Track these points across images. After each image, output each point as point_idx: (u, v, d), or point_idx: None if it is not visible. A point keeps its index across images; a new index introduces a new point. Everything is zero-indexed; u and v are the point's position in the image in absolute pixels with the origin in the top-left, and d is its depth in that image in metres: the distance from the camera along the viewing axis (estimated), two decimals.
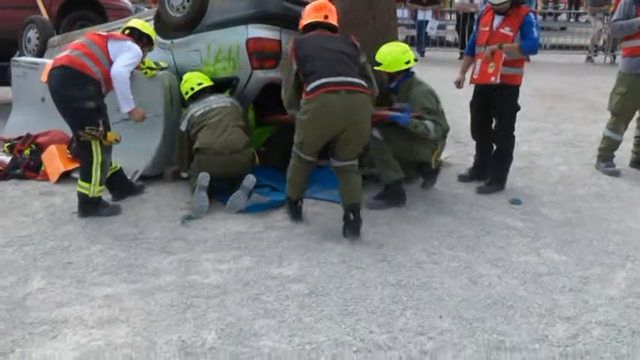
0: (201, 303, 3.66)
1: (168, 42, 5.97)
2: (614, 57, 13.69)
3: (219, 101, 5.39)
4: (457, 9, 15.26)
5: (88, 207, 4.93)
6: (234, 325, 3.43)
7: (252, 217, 4.93)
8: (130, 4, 9.46)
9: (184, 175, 5.51)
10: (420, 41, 14.81)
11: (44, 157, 5.99)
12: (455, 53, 14.39)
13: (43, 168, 5.94)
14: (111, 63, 4.89)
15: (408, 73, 5.19)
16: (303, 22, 4.72)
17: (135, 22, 5.34)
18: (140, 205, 5.20)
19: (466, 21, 14.16)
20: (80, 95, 4.77)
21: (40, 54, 7.44)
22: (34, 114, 6.71)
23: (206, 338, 3.31)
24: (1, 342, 3.27)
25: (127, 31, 5.23)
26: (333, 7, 4.80)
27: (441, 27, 16.08)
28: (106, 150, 4.93)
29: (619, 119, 6.17)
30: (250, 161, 5.27)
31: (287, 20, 5.52)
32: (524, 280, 4.01)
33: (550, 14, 18.20)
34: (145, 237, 4.60)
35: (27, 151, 6.17)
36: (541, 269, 4.16)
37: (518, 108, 5.50)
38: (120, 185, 5.31)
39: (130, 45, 5.02)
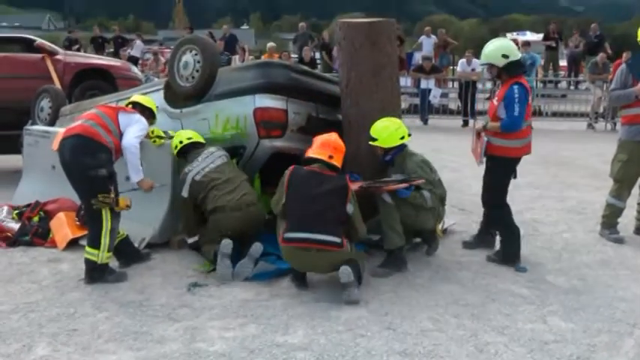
0: None
1: (178, 111, 6.12)
2: (615, 124, 13.89)
3: (213, 158, 5.47)
4: (459, 77, 15.58)
5: (95, 274, 4.96)
6: None
7: (259, 285, 4.94)
8: (140, 73, 9.73)
9: (190, 241, 5.54)
10: (424, 109, 15.08)
11: (52, 224, 6.05)
12: (458, 121, 14.63)
13: (51, 235, 6.00)
14: (121, 134, 5.05)
15: (401, 146, 5.33)
16: (309, 153, 4.93)
17: (137, 98, 5.57)
18: (147, 272, 5.23)
19: (468, 89, 14.46)
20: (93, 163, 4.88)
21: (52, 123, 7.62)
22: (44, 182, 6.81)
23: None
24: None
25: (130, 105, 5.44)
26: (341, 145, 5.01)
27: (444, 95, 16.37)
28: (116, 217, 5.00)
29: (622, 186, 6.22)
30: (265, 214, 5.36)
31: (293, 90, 5.68)
32: (532, 348, 3.99)
33: (550, 82, 18.54)
34: (150, 304, 4.61)
35: (36, 218, 6.24)
36: (548, 337, 4.14)
37: (505, 181, 5.40)
38: (126, 252, 5.35)
39: (138, 118, 5.22)
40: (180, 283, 4.97)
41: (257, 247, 5.05)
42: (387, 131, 5.26)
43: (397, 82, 6.02)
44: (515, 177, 5.49)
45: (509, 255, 5.42)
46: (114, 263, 5.23)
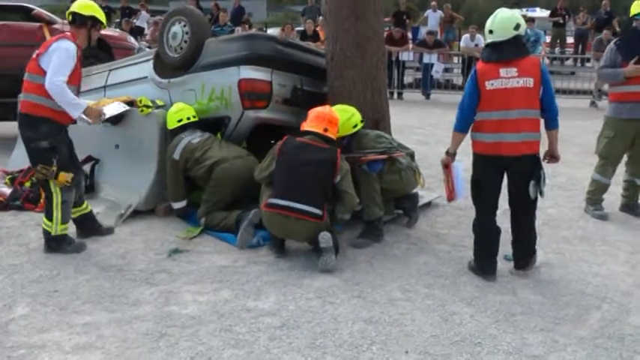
0: (175, 332, 3.77)
1: (165, 81, 6.18)
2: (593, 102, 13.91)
3: (205, 134, 5.66)
4: (463, 52, 15.51)
5: (52, 244, 5.00)
6: (204, 354, 3.54)
7: (237, 252, 5.06)
8: (136, 43, 9.76)
9: (176, 206, 5.66)
10: (426, 84, 15.04)
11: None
12: (460, 96, 14.57)
13: (42, 200, 6.10)
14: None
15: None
16: (304, 126, 5.01)
17: (74, 6, 5.00)
18: (130, 238, 5.34)
19: (471, 64, 14.38)
20: (34, 136, 4.84)
21: None
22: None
23: None
24: None
25: (69, 18, 4.99)
26: (336, 118, 5.09)
27: (448, 70, 16.31)
28: (67, 190, 4.98)
29: (606, 163, 6.26)
30: None
31: (278, 62, 5.74)
32: (497, 319, 4.07)
33: (556, 59, 18.40)
34: (130, 269, 4.73)
35: (27, 184, 6.36)
36: (515, 309, 4.22)
37: (476, 180, 4.68)
38: (87, 228, 5.33)
39: (55, 46, 4.76)
40: (161, 250, 5.09)
41: (258, 213, 5.10)
42: (340, 121, 5.31)
43: (383, 55, 6.06)
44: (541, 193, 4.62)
45: (475, 263, 4.79)
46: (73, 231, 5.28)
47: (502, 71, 4.37)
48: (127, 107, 5.44)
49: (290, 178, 4.77)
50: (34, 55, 4.87)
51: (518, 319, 4.08)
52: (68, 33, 4.97)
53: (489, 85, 4.38)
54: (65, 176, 4.90)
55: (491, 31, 4.44)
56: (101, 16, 5.04)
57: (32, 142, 4.88)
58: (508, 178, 4.61)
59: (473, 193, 4.73)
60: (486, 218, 4.66)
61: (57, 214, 4.95)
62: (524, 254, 4.72)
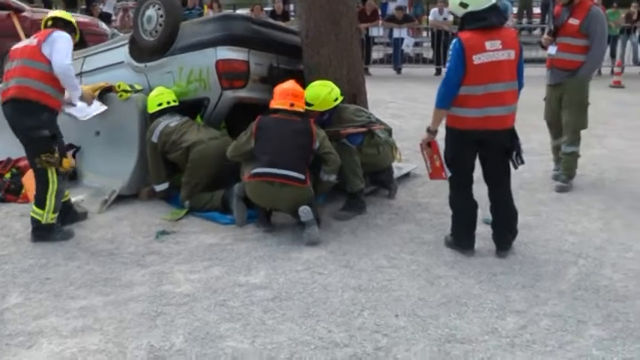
0: (171, 310, 3.87)
1: (142, 65, 6.21)
2: None
3: (184, 118, 5.73)
4: (432, 26, 15.62)
5: (40, 232, 5.02)
6: (201, 329, 3.64)
7: (224, 230, 5.16)
8: (108, 29, 9.71)
9: (158, 189, 5.73)
10: (397, 58, 15.14)
11: (25, 180, 6.15)
12: (431, 69, 14.71)
13: (23, 191, 6.10)
14: (50, 64, 4.87)
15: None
16: (272, 104, 5.11)
17: (56, 12, 5.33)
18: (116, 222, 5.40)
19: (440, 38, 14.51)
20: (35, 124, 4.87)
21: None
22: (11, 139, 6.87)
23: (174, 342, 3.52)
24: None
25: (49, 22, 5.17)
26: (299, 91, 5.19)
27: (418, 44, 16.42)
28: (63, 178, 5.04)
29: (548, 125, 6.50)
30: None
31: (254, 41, 5.80)
32: (480, 280, 4.24)
33: (523, 29, 18.61)
34: (120, 252, 4.80)
35: (8, 175, 6.33)
36: (496, 269, 4.39)
37: (453, 156, 4.54)
38: (65, 214, 5.34)
39: (56, 35, 4.95)
40: (149, 232, 5.16)
41: (241, 186, 5.16)
42: (321, 96, 5.44)
43: (357, 31, 6.14)
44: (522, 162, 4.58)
45: (453, 238, 4.78)
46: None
47: (488, 44, 4.25)
48: (105, 107, 5.50)
49: (273, 148, 4.90)
50: (31, 43, 4.98)
51: (500, 279, 4.26)
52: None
53: (477, 59, 4.23)
54: (69, 162, 5.01)
55: (465, 4, 4.31)
56: (76, 26, 5.30)
57: (32, 131, 4.89)
58: (486, 152, 4.50)
59: (450, 170, 4.60)
60: (463, 193, 4.62)
61: (50, 202, 4.98)
62: (506, 231, 4.66)
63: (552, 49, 6.04)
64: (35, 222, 5.03)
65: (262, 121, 5.05)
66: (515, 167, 4.53)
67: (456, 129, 4.45)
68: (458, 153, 4.53)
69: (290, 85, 5.23)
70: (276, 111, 5.09)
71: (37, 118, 4.89)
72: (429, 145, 4.60)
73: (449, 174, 4.61)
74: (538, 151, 7.59)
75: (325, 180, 5.17)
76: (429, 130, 4.58)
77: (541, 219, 5.38)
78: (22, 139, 5.02)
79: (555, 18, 6.09)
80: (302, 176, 4.86)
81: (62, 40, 4.93)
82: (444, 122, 4.54)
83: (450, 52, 4.38)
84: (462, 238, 4.68)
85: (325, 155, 5.06)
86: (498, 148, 4.49)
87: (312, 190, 4.99)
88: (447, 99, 4.38)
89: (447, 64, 4.39)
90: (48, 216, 5.00)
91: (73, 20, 5.30)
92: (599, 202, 5.79)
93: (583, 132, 6.22)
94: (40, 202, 5.00)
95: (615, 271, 4.38)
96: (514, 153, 4.50)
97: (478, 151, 4.52)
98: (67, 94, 5.16)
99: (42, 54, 4.89)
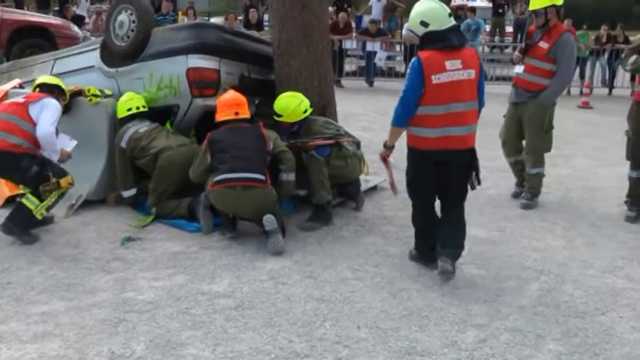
0: (133, 317, 3.86)
1: (113, 70, 6.18)
2: None
3: (153, 124, 5.73)
4: (404, 40, 15.77)
5: (16, 221, 5.00)
6: (163, 336, 3.64)
7: (190, 237, 5.16)
8: (80, 32, 9.66)
9: (126, 195, 5.72)
10: (369, 71, 15.24)
11: None
12: (403, 83, 14.82)
13: None
14: (34, 125, 5.01)
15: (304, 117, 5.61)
16: (218, 118, 5.19)
17: (42, 79, 5.53)
18: (82, 227, 5.36)
19: (414, 52, 14.62)
20: (22, 171, 4.98)
21: None
22: None
23: (135, 349, 3.51)
24: None
25: (37, 89, 5.37)
26: (241, 99, 5.25)
27: (391, 58, 16.55)
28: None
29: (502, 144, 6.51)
30: None
31: (226, 50, 5.82)
32: (442, 293, 4.29)
33: (495, 47, 18.91)
34: (84, 257, 4.77)
35: None
36: (459, 283, 4.44)
37: (413, 176, 4.53)
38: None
39: (47, 101, 5.13)
40: (114, 238, 5.13)
41: (207, 195, 5.15)
42: (290, 107, 5.52)
43: (328, 43, 6.20)
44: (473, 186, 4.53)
45: (416, 252, 4.81)
46: None
47: (448, 64, 4.16)
48: (75, 142, 5.53)
49: (230, 155, 4.95)
50: (18, 101, 5.14)
51: (462, 293, 4.31)
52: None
53: (435, 79, 4.14)
54: (66, 181, 5.06)
55: (425, 24, 4.23)
56: (63, 88, 5.51)
57: (23, 174, 5.00)
58: (446, 171, 4.39)
59: (410, 190, 4.61)
60: (423, 213, 4.62)
61: (50, 200, 5.03)
62: (453, 246, 4.46)
63: (519, 68, 6.10)
64: (21, 209, 5.00)
65: (213, 135, 5.12)
66: (473, 188, 4.54)
67: (416, 149, 4.39)
68: (418, 173, 4.47)
69: (230, 95, 5.31)
70: (224, 122, 5.16)
71: (19, 166, 4.98)
72: (384, 160, 4.66)
73: (398, 192, 4.76)
74: (504, 168, 7.67)
75: (285, 180, 5.20)
76: (385, 146, 4.58)
77: (505, 235, 5.46)
78: (14, 181, 5.18)
79: (528, 37, 6.15)
80: (262, 177, 4.92)
81: (52, 108, 5.10)
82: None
83: (408, 71, 4.31)
84: (426, 252, 4.67)
85: (280, 154, 5.16)
86: (458, 168, 4.42)
87: (275, 192, 5.02)
88: (403, 118, 4.33)
89: (405, 83, 4.27)
90: (41, 210, 5.02)
91: (61, 84, 5.52)
92: (563, 220, 5.89)
93: (551, 151, 6.31)
94: (41, 195, 5.03)
95: (576, 287, 4.46)
96: (473, 173, 4.48)
97: (438, 170, 4.41)
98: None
99: (28, 114, 5.03)
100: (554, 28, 5.87)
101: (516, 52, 6.24)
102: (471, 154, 4.44)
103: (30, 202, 5.03)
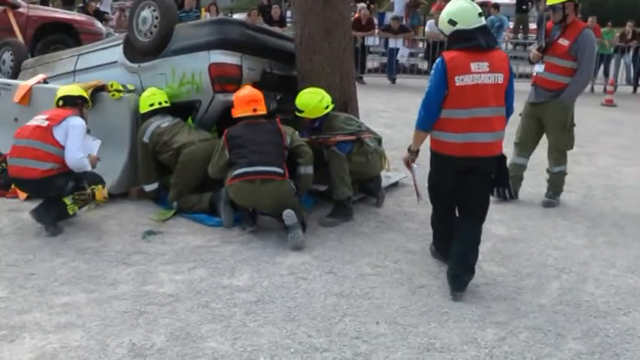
0: (154, 310, 3.89)
1: (136, 66, 6.23)
2: None
3: (175, 119, 5.75)
4: (428, 37, 15.71)
5: (52, 210, 5.09)
6: (183, 329, 3.67)
7: (211, 231, 5.19)
8: (103, 28, 9.74)
9: (148, 189, 5.76)
10: (391, 68, 15.21)
11: None
12: (425, 80, 14.72)
13: (13, 186, 6.11)
14: (61, 147, 5.05)
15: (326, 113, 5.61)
16: (235, 114, 5.20)
17: (63, 91, 5.50)
18: (104, 221, 5.41)
19: (436, 49, 14.58)
20: (57, 191, 5.07)
21: (15, 76, 7.66)
22: (7, 133, 6.86)
23: (155, 341, 3.54)
24: None
25: (60, 102, 5.38)
26: (258, 95, 5.26)
27: (414, 55, 16.50)
28: None
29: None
30: None
31: (248, 46, 5.84)
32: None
33: (519, 44, 18.75)
34: (106, 250, 4.82)
35: None
36: (479, 280, 4.41)
37: (434, 182, 4.43)
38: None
39: (71, 124, 5.11)
40: (136, 232, 5.18)
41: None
42: (312, 103, 5.52)
43: (350, 40, 6.20)
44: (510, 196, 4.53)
45: (435, 249, 4.77)
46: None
47: (473, 65, 3.99)
48: (99, 142, 5.58)
49: (248, 150, 4.98)
50: (42, 124, 5.11)
51: (482, 290, 4.29)
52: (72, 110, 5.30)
53: (459, 80, 3.97)
54: (101, 194, 5.25)
55: (453, 22, 4.10)
56: (86, 97, 5.56)
57: (60, 191, 5.08)
58: (471, 180, 4.19)
59: (431, 194, 4.49)
60: (442, 217, 4.50)
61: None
62: (463, 271, 4.22)
63: (539, 67, 5.98)
64: (57, 200, 5.09)
65: (230, 131, 5.15)
66: (505, 198, 4.41)
67: (439, 153, 4.22)
68: (439, 177, 4.35)
69: (248, 91, 5.32)
70: (241, 119, 5.18)
71: (55, 186, 5.07)
72: (407, 165, 4.58)
73: (421, 198, 4.68)
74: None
75: (303, 173, 5.21)
76: (409, 150, 4.46)
77: (526, 232, 5.43)
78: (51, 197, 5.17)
79: (547, 35, 6.07)
80: (280, 170, 4.95)
81: (77, 131, 5.11)
82: None
83: (432, 72, 4.14)
84: (445, 252, 4.53)
85: (298, 149, 5.18)
86: (485, 177, 4.23)
87: (293, 185, 5.05)
88: (426, 122, 4.17)
89: (428, 85, 4.12)
90: (74, 207, 5.16)
91: (84, 92, 5.56)
92: (585, 218, 5.85)
93: (572, 150, 6.23)
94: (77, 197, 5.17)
95: (597, 287, 4.43)
96: (501, 183, 4.34)
97: (460, 178, 4.23)
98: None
99: (53, 137, 5.05)
100: (572, 25, 5.78)
101: (534, 51, 6.12)
102: (499, 162, 4.24)
103: (70, 199, 5.14)
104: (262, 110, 5.23)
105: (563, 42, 5.77)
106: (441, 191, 4.40)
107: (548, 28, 6.08)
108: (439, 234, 4.63)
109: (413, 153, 4.44)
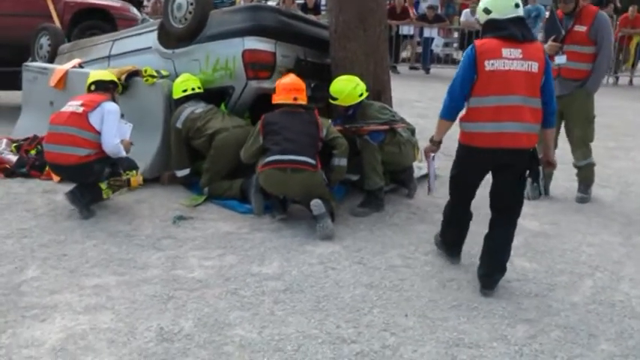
0: (183, 295, 3.91)
1: (170, 51, 6.25)
2: (617, 78, 13.95)
3: (210, 105, 5.76)
4: (463, 27, 15.52)
5: (87, 193, 5.16)
6: (211, 315, 3.68)
7: (241, 218, 5.20)
8: (139, 14, 9.78)
9: (180, 174, 5.79)
10: (426, 58, 15.08)
11: None
12: None
13: (47, 168, 6.19)
14: (97, 133, 5.10)
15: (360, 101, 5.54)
16: (275, 100, 5.18)
17: (94, 75, 5.54)
18: (136, 205, 5.46)
19: (471, 39, 14.39)
20: (94, 176, 5.17)
21: (51, 60, 7.76)
22: (42, 117, 6.95)
23: (183, 326, 3.55)
24: None
25: (92, 87, 5.43)
26: (301, 85, 5.23)
27: (448, 44, 16.33)
28: None
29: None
30: None
31: (282, 33, 5.82)
32: None
33: None
34: (137, 234, 4.86)
35: (33, 152, 6.46)
36: (511, 276, 4.34)
37: (456, 173, 4.27)
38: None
39: (106, 109, 5.15)
40: (166, 216, 5.21)
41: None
42: (346, 90, 5.46)
43: (385, 28, 6.14)
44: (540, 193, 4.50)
45: (441, 241, 4.67)
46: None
47: (505, 51, 3.85)
48: (131, 125, 5.60)
49: (282, 137, 4.97)
50: (77, 110, 5.16)
51: (513, 286, 4.23)
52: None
53: (489, 64, 3.84)
54: (137, 180, 5.34)
55: (488, 11, 3.98)
56: (117, 82, 5.63)
57: (97, 177, 5.18)
58: (499, 176, 4.10)
59: (451, 185, 4.34)
60: (460, 208, 4.37)
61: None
62: (494, 270, 4.14)
63: (562, 58, 5.77)
64: (93, 184, 5.18)
65: (267, 117, 5.13)
66: (528, 197, 4.28)
67: (467, 146, 4.06)
68: (463, 170, 4.20)
69: (291, 79, 5.29)
70: (280, 106, 5.15)
71: (92, 171, 5.15)
72: (427, 155, 4.49)
73: (432, 191, 4.75)
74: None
75: (337, 164, 5.18)
76: (431, 140, 4.32)
77: (559, 228, 5.34)
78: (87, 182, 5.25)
79: (561, 24, 5.88)
80: (312, 161, 4.93)
81: (112, 116, 5.15)
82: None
83: (461, 60, 4.05)
84: (450, 247, 4.54)
85: (333, 141, 5.14)
86: (514, 173, 4.06)
87: (324, 176, 5.04)
88: (450, 110, 4.04)
89: (455, 72, 4.01)
90: (108, 192, 5.27)
91: (114, 77, 5.61)
92: (621, 215, 5.72)
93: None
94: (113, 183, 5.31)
95: (633, 286, 4.32)
96: (533, 178, 4.17)
97: (489, 172, 4.14)
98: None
99: (89, 123, 5.09)
100: (584, 10, 5.72)
101: (550, 42, 5.81)
102: (531, 157, 4.05)
103: (106, 184, 5.23)
104: (303, 100, 5.20)
105: (580, 28, 5.70)
106: (461, 184, 4.28)
107: (560, 18, 5.93)
108: (448, 224, 4.51)
109: (435, 144, 4.31)
